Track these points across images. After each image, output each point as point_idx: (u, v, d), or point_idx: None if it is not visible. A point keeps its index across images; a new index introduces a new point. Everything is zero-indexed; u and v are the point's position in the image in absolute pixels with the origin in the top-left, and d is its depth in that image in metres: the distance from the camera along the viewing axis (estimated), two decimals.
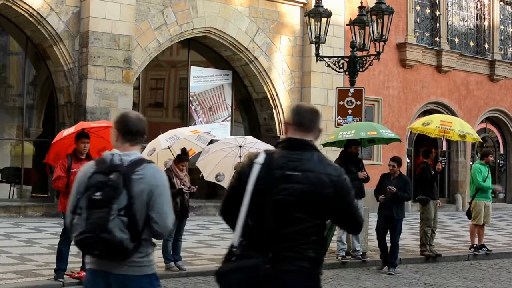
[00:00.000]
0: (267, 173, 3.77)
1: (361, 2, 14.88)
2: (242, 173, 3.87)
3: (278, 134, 20.68)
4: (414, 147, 23.58)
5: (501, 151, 27.35)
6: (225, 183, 11.74)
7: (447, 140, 24.83)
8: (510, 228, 19.04)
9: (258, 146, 11.41)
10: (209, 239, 13.98)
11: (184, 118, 20.41)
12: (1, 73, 19.25)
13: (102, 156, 4.07)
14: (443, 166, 13.68)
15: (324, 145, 12.96)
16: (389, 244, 11.36)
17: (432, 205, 12.60)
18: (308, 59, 20.76)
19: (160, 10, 18.76)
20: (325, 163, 3.82)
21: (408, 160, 23.85)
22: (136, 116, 4.16)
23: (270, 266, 3.69)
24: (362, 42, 14.44)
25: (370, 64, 14.02)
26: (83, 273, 9.00)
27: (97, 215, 3.86)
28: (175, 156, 10.24)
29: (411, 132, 22.27)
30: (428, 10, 24.79)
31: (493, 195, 17.73)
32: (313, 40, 14.11)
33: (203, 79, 20.72)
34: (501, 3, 26.94)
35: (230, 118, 21.20)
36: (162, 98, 21.27)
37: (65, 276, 9.00)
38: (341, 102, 13.87)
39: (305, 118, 3.85)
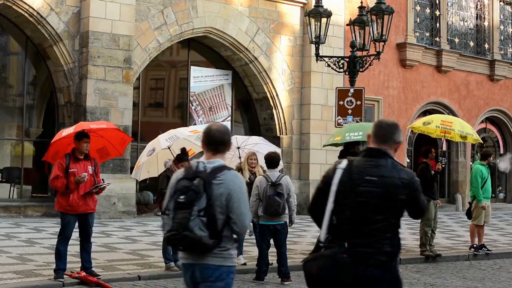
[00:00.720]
0: (348, 177, 4.35)
1: (361, 2, 14.88)
2: (327, 176, 4.46)
3: (278, 134, 20.68)
4: (414, 147, 23.58)
5: (501, 151, 27.35)
6: None
7: (447, 140, 24.82)
8: (510, 228, 19.04)
9: (258, 148, 11.40)
10: None
11: (184, 118, 20.42)
12: (1, 73, 19.25)
13: (190, 164, 4.69)
14: (443, 166, 13.64)
15: (325, 145, 12.92)
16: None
17: (432, 205, 12.59)
18: (308, 59, 20.76)
19: (160, 10, 18.76)
20: (398, 168, 4.45)
21: (408, 160, 23.85)
22: (216, 128, 4.70)
23: (346, 256, 4.22)
24: (362, 42, 14.44)
25: (370, 64, 14.02)
26: (83, 273, 9.02)
27: (181, 216, 4.42)
28: (174, 156, 10.24)
29: (411, 132, 22.26)
30: (428, 10, 24.79)
31: (493, 195, 17.73)
32: (313, 40, 14.11)
33: (203, 79, 20.72)
34: (501, 3, 26.94)
35: (230, 118, 21.20)
36: (162, 98, 21.27)
37: (65, 276, 8.99)
38: (341, 102, 13.87)
39: (384, 131, 4.48)
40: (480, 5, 26.36)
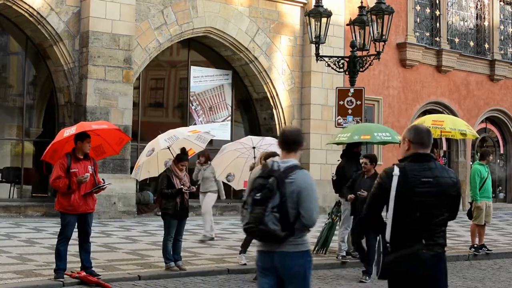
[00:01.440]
0: (404, 181, 4.80)
1: (361, 2, 14.87)
2: (383, 183, 4.88)
3: (278, 134, 20.67)
4: None
5: (501, 151, 27.34)
6: (235, 184, 11.76)
7: (447, 140, 24.78)
8: (510, 228, 19.03)
9: (273, 148, 11.41)
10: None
11: (184, 118, 20.42)
12: (1, 73, 19.25)
13: (267, 163, 5.18)
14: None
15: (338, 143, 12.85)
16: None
17: None
18: (308, 59, 20.76)
19: (160, 10, 18.76)
20: (446, 169, 5.02)
21: None
22: (290, 130, 5.28)
23: (426, 251, 4.77)
24: (362, 42, 14.43)
25: (370, 64, 14.00)
26: (83, 273, 9.01)
27: (257, 211, 4.93)
28: (174, 156, 10.23)
29: None
30: (428, 10, 24.79)
31: (493, 195, 17.72)
32: (313, 40, 14.10)
33: (203, 79, 20.72)
34: (501, 3, 26.94)
35: (230, 118, 21.20)
36: (162, 98, 21.27)
37: (65, 276, 8.99)
38: (341, 102, 13.85)
39: (425, 137, 4.98)
40: (480, 5, 26.35)
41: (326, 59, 14.18)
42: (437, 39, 24.73)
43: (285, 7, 21.01)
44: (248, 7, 20.31)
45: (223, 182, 13.24)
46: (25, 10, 16.95)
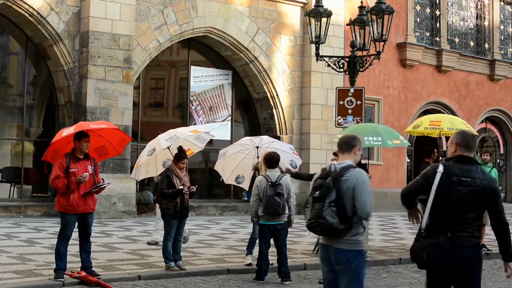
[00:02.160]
0: (446, 179, 5.47)
1: (361, 2, 14.87)
2: (428, 174, 5.60)
3: (278, 134, 20.67)
4: (415, 147, 23.58)
5: (501, 151, 27.34)
6: (245, 185, 11.74)
7: (447, 140, 24.67)
8: (510, 228, 18.98)
9: (275, 146, 11.46)
10: (209, 239, 13.97)
11: (184, 118, 20.41)
12: (1, 73, 19.25)
13: (325, 167, 5.80)
14: None
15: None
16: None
17: None
18: (308, 59, 20.76)
19: (160, 10, 18.76)
20: (485, 172, 5.60)
21: (408, 160, 23.86)
22: (346, 135, 6.02)
23: (449, 243, 5.37)
24: (362, 42, 14.43)
25: (370, 64, 14.00)
26: (83, 273, 9.01)
27: (316, 207, 5.56)
28: (173, 156, 10.22)
29: None
30: (428, 10, 24.78)
31: None
32: (313, 40, 14.10)
33: (203, 79, 20.72)
34: (501, 3, 26.94)
35: (230, 118, 21.20)
36: (162, 98, 21.27)
37: (65, 276, 8.98)
38: (341, 102, 13.83)
39: (470, 141, 5.66)
40: (480, 5, 26.35)
41: (326, 59, 14.18)
42: (437, 39, 24.74)
43: (285, 7, 21.01)
44: (248, 7, 20.31)
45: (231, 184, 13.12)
46: (25, 10, 16.95)
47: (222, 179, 11.94)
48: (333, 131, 16.88)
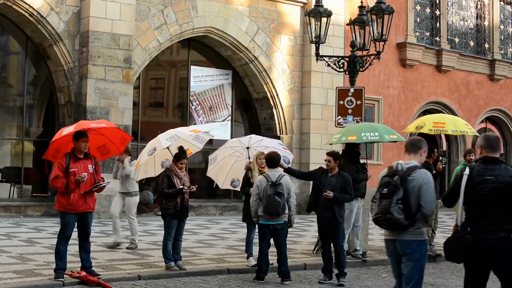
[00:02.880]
0: (471, 179, 5.98)
1: (361, 2, 14.87)
2: (457, 179, 6.12)
3: (278, 134, 20.67)
4: None
5: (501, 151, 27.35)
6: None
7: (447, 140, 24.77)
8: None
9: (264, 144, 11.39)
10: (209, 239, 13.97)
11: (184, 118, 20.41)
12: (1, 73, 19.26)
13: (392, 165, 6.25)
14: (444, 165, 13.63)
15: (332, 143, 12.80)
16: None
17: None
18: (308, 58, 20.76)
19: (160, 10, 18.76)
20: (508, 170, 6.05)
21: None
22: (412, 138, 6.55)
23: (468, 237, 5.91)
24: (362, 41, 14.42)
25: (370, 64, 13.99)
26: (83, 273, 9.01)
27: (384, 203, 6.05)
28: (173, 156, 10.21)
29: None
30: (428, 10, 24.79)
31: None
32: (313, 39, 14.09)
33: (203, 79, 20.72)
34: (501, 2, 26.94)
35: (230, 117, 21.20)
36: (162, 97, 21.27)
37: (65, 275, 8.98)
38: (341, 102, 13.83)
39: (493, 143, 6.21)
40: (480, 5, 26.35)
41: (326, 59, 14.17)
42: (437, 39, 24.73)
43: (285, 7, 21.01)
44: (248, 7, 20.31)
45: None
46: (25, 10, 16.95)
47: (217, 185, 11.82)
48: (333, 131, 16.85)
